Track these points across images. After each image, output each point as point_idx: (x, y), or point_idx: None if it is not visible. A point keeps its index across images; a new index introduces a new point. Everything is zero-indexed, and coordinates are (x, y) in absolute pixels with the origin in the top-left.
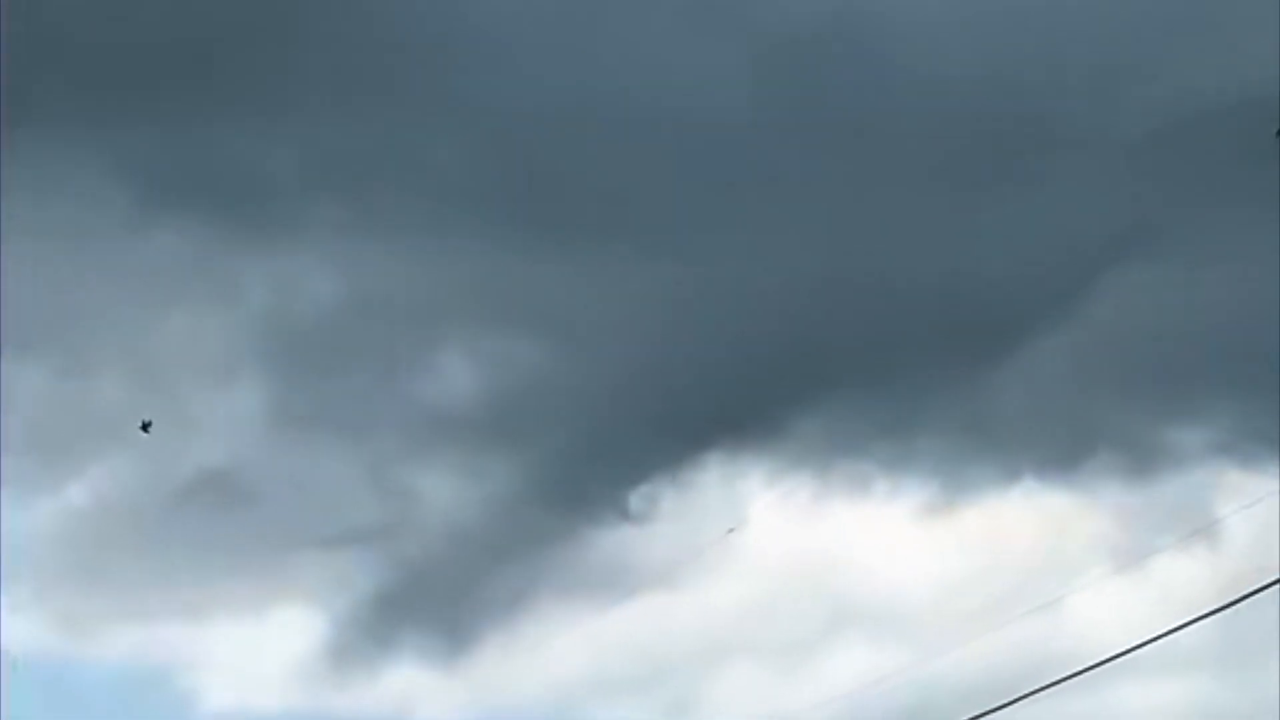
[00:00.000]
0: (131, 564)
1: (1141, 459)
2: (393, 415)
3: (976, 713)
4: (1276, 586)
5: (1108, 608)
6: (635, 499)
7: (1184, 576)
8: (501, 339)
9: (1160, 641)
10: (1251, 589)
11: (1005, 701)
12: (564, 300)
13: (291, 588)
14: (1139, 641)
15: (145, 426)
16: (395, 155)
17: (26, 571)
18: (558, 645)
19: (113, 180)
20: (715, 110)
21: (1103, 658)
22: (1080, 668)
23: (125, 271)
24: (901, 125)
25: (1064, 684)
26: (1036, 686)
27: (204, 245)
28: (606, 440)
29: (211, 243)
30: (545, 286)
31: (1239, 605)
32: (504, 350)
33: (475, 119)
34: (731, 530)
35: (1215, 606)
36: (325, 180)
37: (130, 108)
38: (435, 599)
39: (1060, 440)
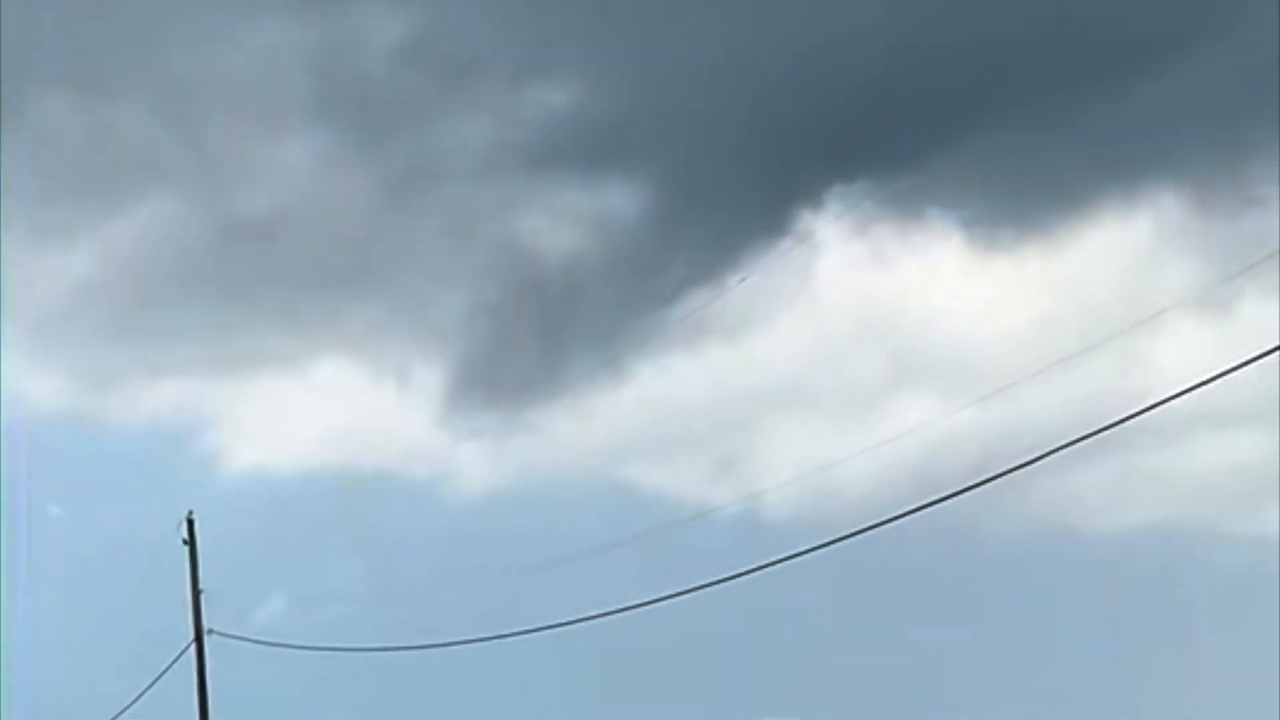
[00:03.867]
0: (168, 314)
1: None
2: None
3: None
4: None
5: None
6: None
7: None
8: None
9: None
10: None
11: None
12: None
13: (337, 341)
14: (1201, 380)
15: None
16: None
17: (58, 324)
18: (611, 402)
19: None
20: None
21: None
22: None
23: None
24: None
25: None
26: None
27: None
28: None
29: None
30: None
31: None
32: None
33: None
34: (743, 279)
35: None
36: None
37: None
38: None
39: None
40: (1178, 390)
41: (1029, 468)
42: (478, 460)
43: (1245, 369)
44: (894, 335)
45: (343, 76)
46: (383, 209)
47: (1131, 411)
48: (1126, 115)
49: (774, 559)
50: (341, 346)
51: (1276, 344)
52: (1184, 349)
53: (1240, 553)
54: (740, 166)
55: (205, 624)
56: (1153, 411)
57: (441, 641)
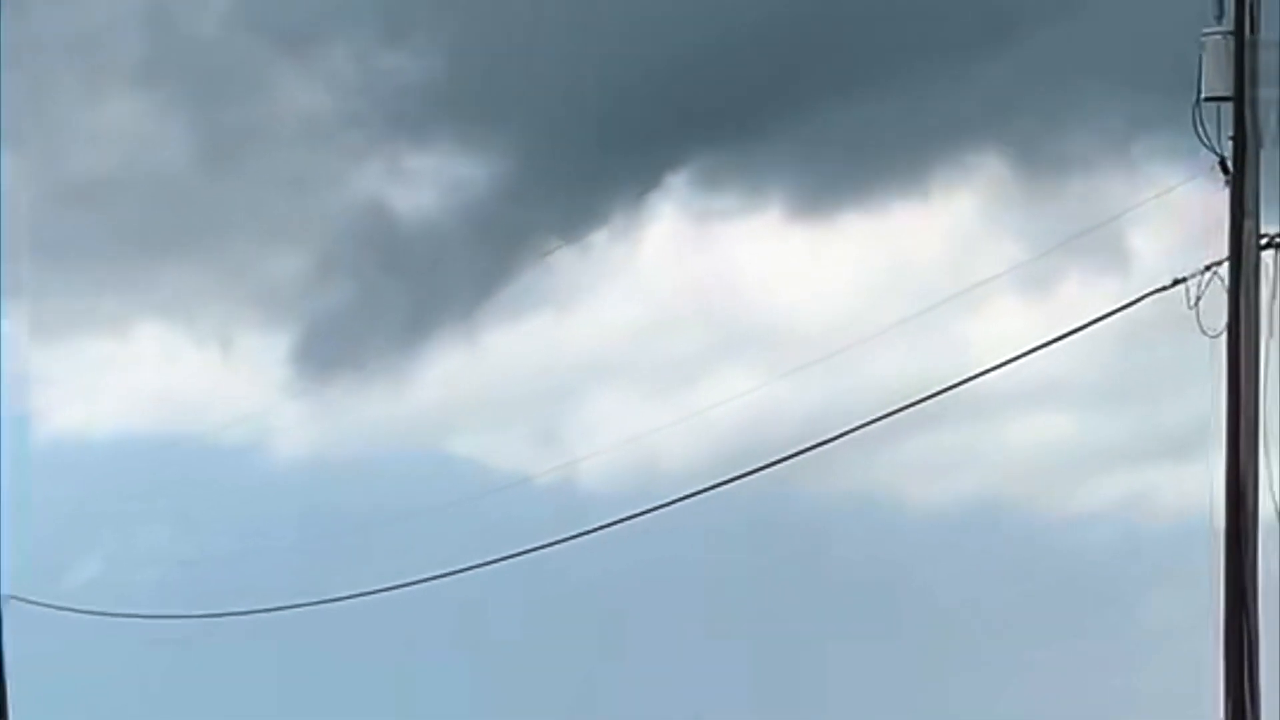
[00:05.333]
0: None
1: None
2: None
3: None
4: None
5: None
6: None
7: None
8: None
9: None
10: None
11: (872, 419)
12: None
13: (160, 304)
14: (1013, 356)
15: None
16: None
17: None
18: (439, 371)
19: None
20: None
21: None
22: (947, 385)
23: None
24: None
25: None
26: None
27: None
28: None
29: None
30: None
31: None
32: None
33: None
34: (549, 252)
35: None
36: None
37: None
38: (322, 324)
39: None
40: (990, 366)
41: (850, 440)
42: (301, 427)
43: (1066, 347)
44: (721, 309)
45: (175, 38)
46: (213, 173)
47: (945, 386)
48: (963, 88)
49: (591, 527)
50: (165, 310)
51: (1084, 322)
52: (1005, 325)
53: (1055, 529)
54: (582, 139)
55: (5, 590)
56: (971, 388)
57: (255, 609)
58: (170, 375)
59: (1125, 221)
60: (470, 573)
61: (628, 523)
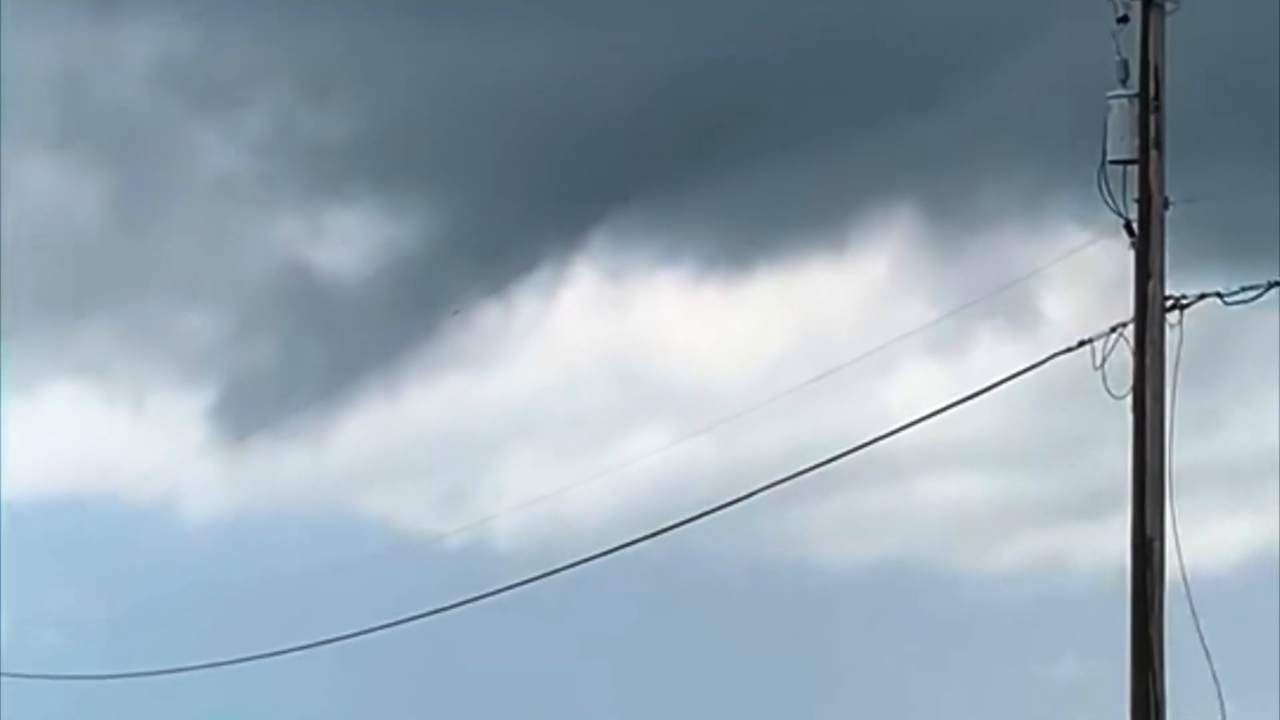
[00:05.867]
0: None
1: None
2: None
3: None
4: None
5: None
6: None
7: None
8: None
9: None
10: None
11: (781, 478)
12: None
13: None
14: (922, 415)
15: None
16: None
17: None
18: (352, 429)
19: None
20: None
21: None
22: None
23: None
24: None
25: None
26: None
27: None
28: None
29: None
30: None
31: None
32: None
33: None
34: (456, 312)
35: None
36: None
37: None
38: (237, 382)
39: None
40: (897, 426)
41: (761, 499)
42: (213, 486)
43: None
44: (635, 368)
45: (90, 100)
46: (128, 232)
47: (854, 445)
48: (879, 149)
49: (497, 588)
50: (78, 368)
51: (993, 382)
52: (918, 384)
53: (963, 588)
54: (499, 199)
55: None
56: (883, 448)
57: (162, 669)
58: (82, 434)
59: (1036, 280)
60: (378, 633)
61: (537, 582)
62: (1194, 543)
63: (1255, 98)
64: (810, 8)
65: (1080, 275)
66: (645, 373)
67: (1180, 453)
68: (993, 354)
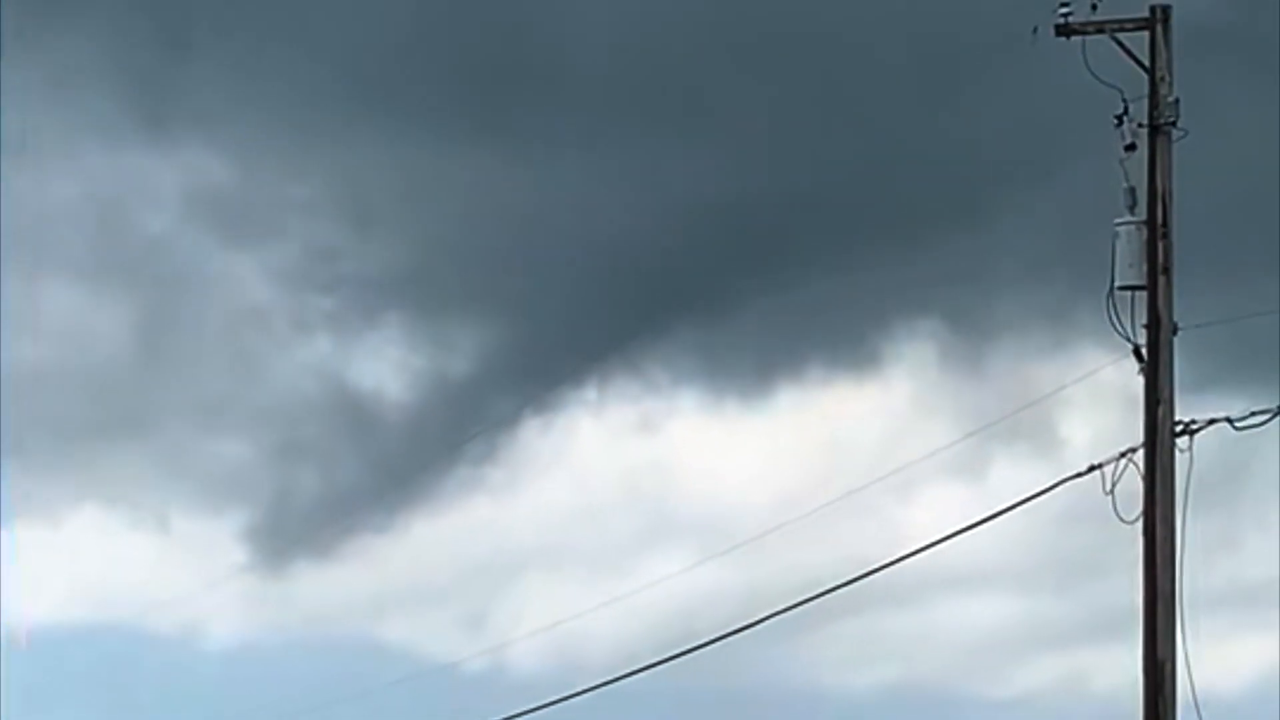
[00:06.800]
0: None
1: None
2: None
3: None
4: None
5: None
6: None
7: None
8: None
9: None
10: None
11: (797, 601)
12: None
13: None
14: (937, 539)
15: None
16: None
17: None
18: (376, 557)
19: None
20: None
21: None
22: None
23: None
24: None
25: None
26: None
27: None
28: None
29: None
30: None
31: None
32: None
33: None
34: (472, 437)
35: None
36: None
37: None
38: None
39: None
40: (916, 548)
41: (778, 625)
42: (235, 612)
43: (996, 532)
44: (654, 494)
45: (123, 232)
46: (156, 361)
47: (872, 568)
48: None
49: (517, 711)
50: (102, 495)
51: (1005, 506)
52: (935, 508)
53: (979, 712)
54: (526, 330)
55: None
56: (899, 572)
57: None
58: (105, 561)
59: (1053, 404)
60: None
61: (555, 706)
62: (1206, 666)
63: (1262, 222)
64: (834, 133)
65: (1097, 399)
66: (664, 498)
67: (1191, 576)
68: (1011, 477)
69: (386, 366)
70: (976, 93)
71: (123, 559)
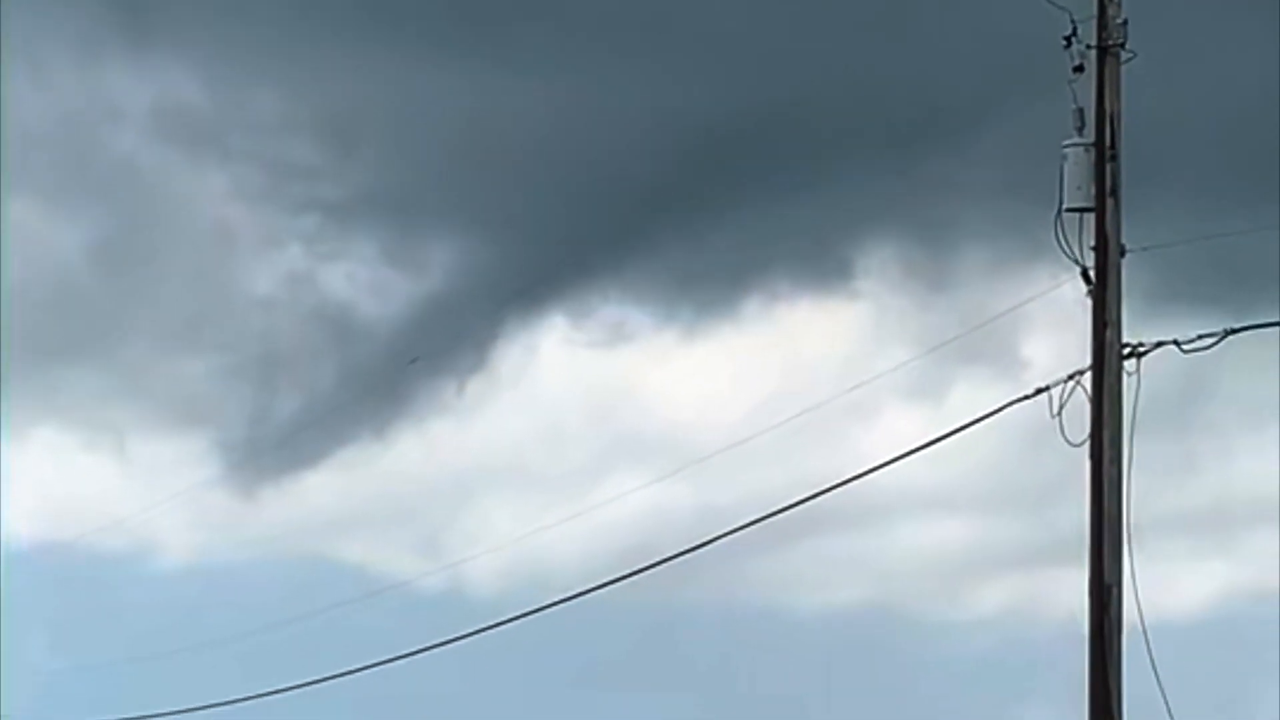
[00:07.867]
0: None
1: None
2: None
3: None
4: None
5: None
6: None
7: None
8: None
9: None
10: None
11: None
12: None
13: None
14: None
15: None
16: None
17: None
18: (323, 478)
19: None
20: None
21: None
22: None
23: None
24: None
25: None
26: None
27: None
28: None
29: None
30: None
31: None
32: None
33: None
34: (414, 361)
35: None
36: None
37: None
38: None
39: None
40: (866, 469)
41: (734, 543)
42: (190, 532)
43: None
44: (617, 417)
45: (85, 147)
46: (115, 277)
47: (822, 488)
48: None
49: (475, 629)
50: (61, 416)
51: (955, 428)
52: (893, 429)
53: (933, 633)
54: (484, 254)
55: None
56: (853, 492)
57: (131, 716)
58: (60, 481)
59: (1015, 324)
60: (354, 676)
61: (511, 624)
62: (1153, 589)
63: (1210, 144)
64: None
65: (1050, 321)
66: (623, 421)
67: (1139, 500)
68: (968, 398)
69: (351, 286)
70: (941, 13)
71: (80, 478)
